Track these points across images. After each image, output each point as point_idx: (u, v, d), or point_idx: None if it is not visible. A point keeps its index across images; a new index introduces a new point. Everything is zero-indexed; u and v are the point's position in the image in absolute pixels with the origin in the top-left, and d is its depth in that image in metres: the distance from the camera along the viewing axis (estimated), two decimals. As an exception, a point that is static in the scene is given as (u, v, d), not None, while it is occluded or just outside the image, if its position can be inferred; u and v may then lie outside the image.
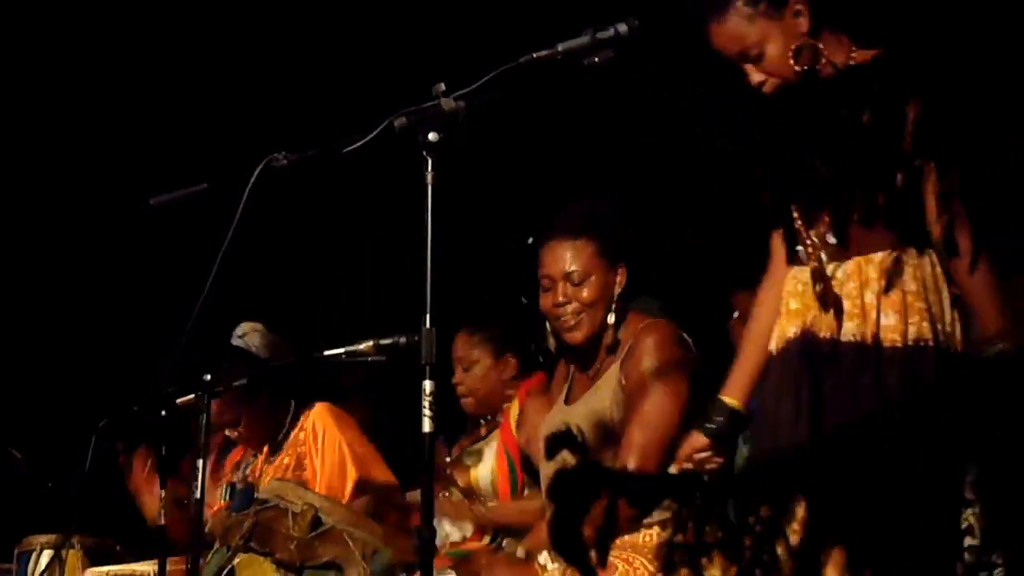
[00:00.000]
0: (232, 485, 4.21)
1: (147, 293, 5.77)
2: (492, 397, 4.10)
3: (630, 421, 3.21)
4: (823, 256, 2.68)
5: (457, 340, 4.13)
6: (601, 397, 3.32)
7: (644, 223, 3.48)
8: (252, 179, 2.70)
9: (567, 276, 3.36)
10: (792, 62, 2.71)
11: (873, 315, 2.60)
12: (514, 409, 4.00)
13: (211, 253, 2.72)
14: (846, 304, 2.63)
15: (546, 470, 3.28)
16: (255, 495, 3.99)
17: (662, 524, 1.43)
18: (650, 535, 3.04)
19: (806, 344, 2.65)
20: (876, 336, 2.60)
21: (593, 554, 1.37)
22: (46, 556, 4.64)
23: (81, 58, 5.79)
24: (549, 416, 3.51)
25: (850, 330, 2.62)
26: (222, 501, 4.32)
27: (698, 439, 2.90)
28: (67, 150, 5.93)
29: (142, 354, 4.63)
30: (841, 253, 2.67)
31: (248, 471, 4.56)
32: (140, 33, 5.73)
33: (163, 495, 3.81)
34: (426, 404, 2.39)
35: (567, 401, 3.48)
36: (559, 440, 1.39)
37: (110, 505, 4.74)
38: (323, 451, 4.28)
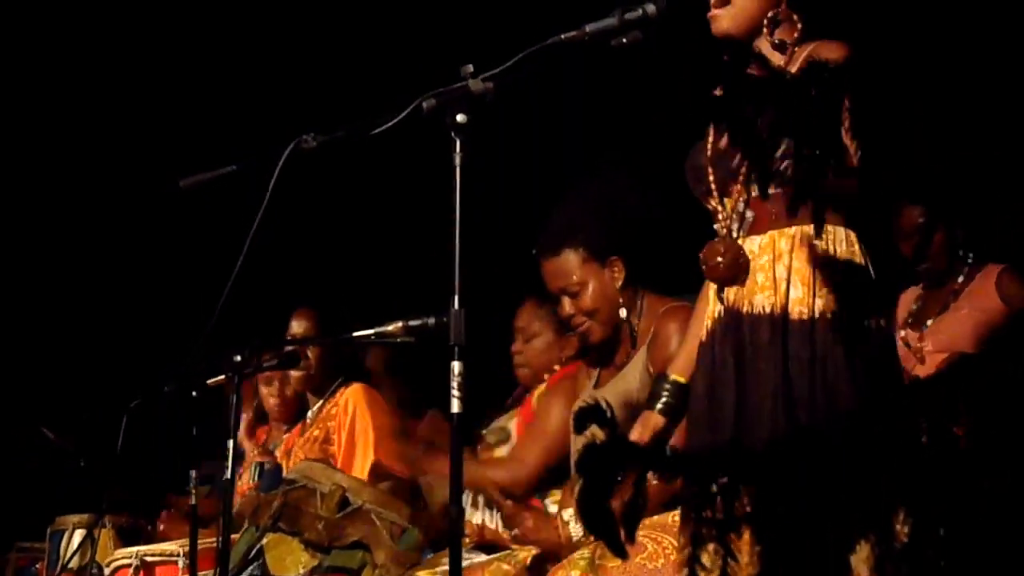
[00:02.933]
0: (260, 465, 4.25)
1: (178, 274, 5.81)
2: (548, 371, 4.10)
3: None
4: (736, 228, 2.68)
5: (522, 310, 4.14)
6: (628, 380, 3.34)
7: (662, 203, 3.47)
8: (281, 160, 2.71)
9: (564, 291, 3.41)
10: (764, 26, 2.70)
11: (783, 287, 2.60)
12: (539, 390, 4.01)
13: (241, 234, 2.74)
14: (759, 277, 2.63)
15: (575, 444, 3.30)
16: (283, 475, 4.02)
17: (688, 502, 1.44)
18: (678, 515, 3.05)
19: (731, 322, 2.65)
20: (785, 308, 2.59)
21: (622, 530, 1.37)
22: (78, 536, 4.68)
23: (111, 38, 5.82)
24: (580, 400, 3.53)
25: (760, 303, 2.62)
26: (251, 482, 4.36)
27: (655, 419, 2.86)
28: (98, 131, 5.96)
29: (173, 335, 4.67)
30: (757, 226, 2.66)
31: (277, 448, 4.61)
32: (169, 14, 5.75)
33: (194, 475, 3.84)
34: (455, 385, 2.39)
35: (596, 385, 3.50)
36: (588, 414, 1.39)
37: (141, 485, 4.78)
38: (349, 431, 4.32)
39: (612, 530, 1.32)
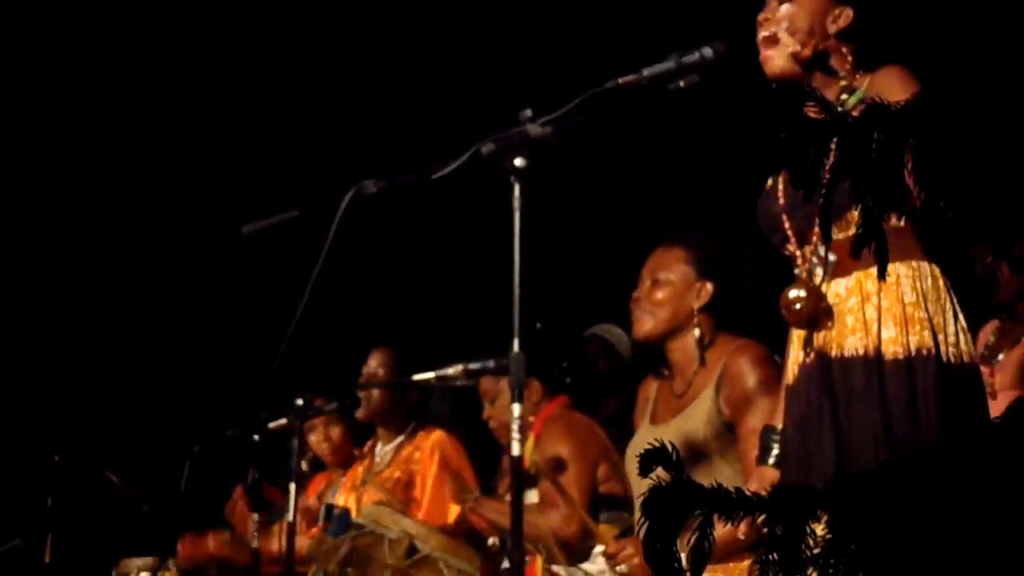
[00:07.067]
0: (330, 507, 4.25)
1: (240, 320, 5.86)
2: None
3: (743, 441, 3.20)
4: (820, 272, 2.65)
5: (483, 377, 4.15)
6: (694, 419, 3.31)
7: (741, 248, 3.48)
8: (342, 205, 2.74)
9: (652, 276, 3.44)
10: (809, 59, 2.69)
11: (874, 328, 2.57)
12: (529, 445, 3.98)
13: (302, 279, 2.76)
14: (848, 319, 2.60)
15: (639, 487, 3.29)
16: (352, 520, 4.02)
17: (755, 546, 1.43)
18: (742, 563, 3.03)
19: (821, 367, 2.62)
20: (878, 349, 2.56)
21: (688, 573, 1.37)
22: (142, 579, 4.71)
23: (176, 91, 5.91)
24: (637, 436, 3.53)
25: (853, 345, 2.59)
26: (319, 523, 4.37)
27: (770, 473, 2.84)
28: (161, 180, 6.05)
29: (236, 379, 4.71)
30: (842, 268, 2.64)
31: (338, 490, 4.63)
32: (230, 65, 5.83)
33: (256, 519, 3.86)
34: (515, 427, 2.40)
35: (654, 421, 3.49)
36: (654, 457, 1.39)
37: (205, 528, 4.81)
38: (436, 478, 4.33)
39: (678, 573, 1.32)
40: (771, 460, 2.81)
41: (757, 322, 3.41)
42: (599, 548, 3.67)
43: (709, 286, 3.41)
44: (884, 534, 1.32)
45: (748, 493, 1.42)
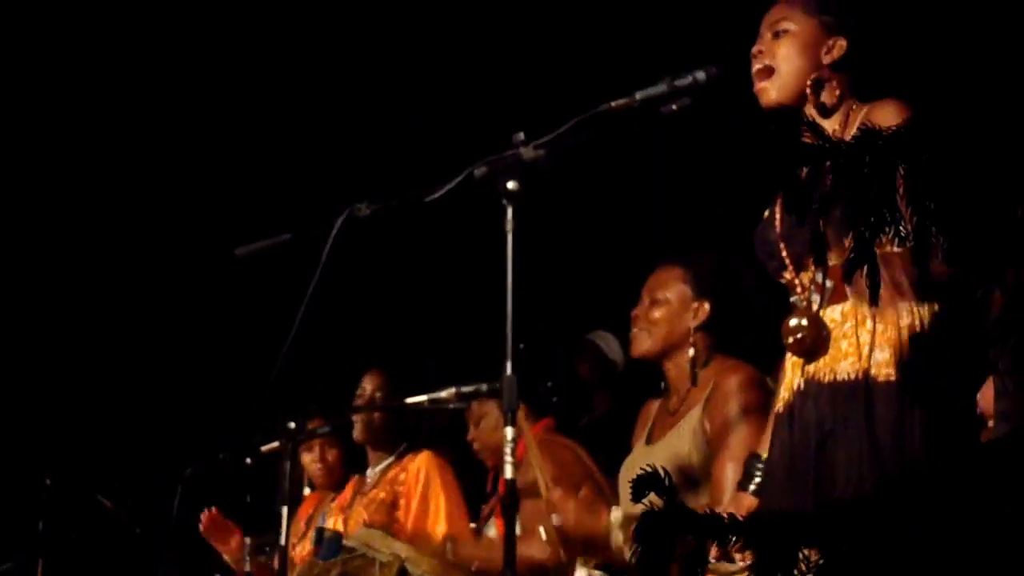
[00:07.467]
0: (320, 530, 4.23)
1: (233, 342, 5.85)
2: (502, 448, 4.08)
3: (718, 460, 3.20)
4: (817, 299, 2.65)
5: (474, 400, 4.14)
6: (682, 437, 3.32)
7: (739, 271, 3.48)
8: (335, 229, 2.74)
9: (650, 295, 3.46)
10: (808, 90, 2.69)
11: (866, 351, 2.58)
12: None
13: (296, 302, 2.76)
14: (843, 344, 2.61)
15: (632, 511, 3.28)
16: (343, 543, 4.01)
17: (748, 569, 1.43)
18: (734, 585, 3.02)
19: (814, 393, 2.62)
20: (868, 371, 2.57)
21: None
22: (134, 603, 4.69)
23: (171, 115, 5.92)
24: (631, 457, 3.53)
25: (846, 369, 2.59)
26: (310, 547, 4.35)
27: (748, 500, 2.84)
28: (154, 203, 6.04)
29: (228, 402, 4.70)
30: (838, 294, 2.64)
31: (327, 516, 4.61)
32: (225, 87, 5.84)
33: (247, 543, 3.85)
34: (507, 451, 2.40)
35: (649, 440, 3.49)
36: (646, 482, 1.39)
37: (197, 552, 4.79)
38: (422, 498, 4.32)
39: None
40: (752, 487, 2.81)
41: (756, 342, 3.42)
42: (580, 572, 3.66)
43: (707, 306, 3.42)
44: (874, 560, 1.32)
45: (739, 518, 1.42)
